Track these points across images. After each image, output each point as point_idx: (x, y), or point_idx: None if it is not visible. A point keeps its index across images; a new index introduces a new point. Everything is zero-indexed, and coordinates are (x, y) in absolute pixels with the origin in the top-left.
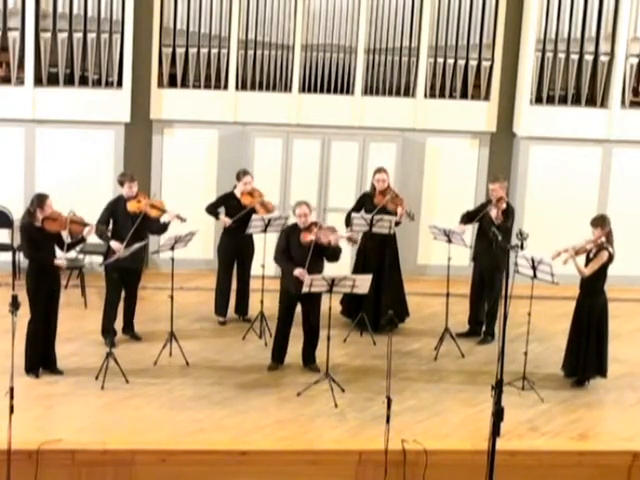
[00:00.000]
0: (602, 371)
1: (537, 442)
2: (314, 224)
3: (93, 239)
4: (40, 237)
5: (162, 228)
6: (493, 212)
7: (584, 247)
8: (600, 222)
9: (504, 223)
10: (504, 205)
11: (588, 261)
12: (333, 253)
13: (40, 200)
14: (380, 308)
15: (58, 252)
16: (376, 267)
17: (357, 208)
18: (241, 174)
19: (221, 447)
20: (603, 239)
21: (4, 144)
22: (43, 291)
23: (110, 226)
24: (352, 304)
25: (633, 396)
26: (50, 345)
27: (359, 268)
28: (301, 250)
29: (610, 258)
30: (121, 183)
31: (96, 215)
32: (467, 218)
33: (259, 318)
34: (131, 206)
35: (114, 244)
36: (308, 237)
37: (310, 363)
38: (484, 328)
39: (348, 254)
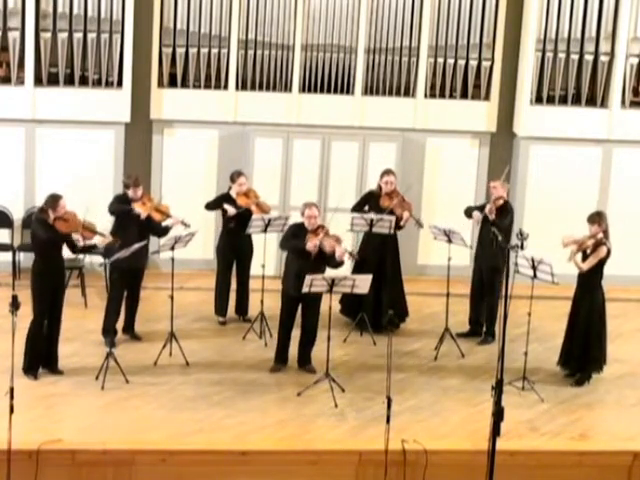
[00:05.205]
0: (600, 367)
1: (537, 442)
2: (321, 227)
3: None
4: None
5: (164, 231)
6: (487, 206)
7: (585, 243)
8: (597, 218)
9: (500, 220)
10: (500, 202)
11: (586, 257)
12: (335, 263)
13: (54, 200)
14: (381, 308)
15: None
16: (376, 267)
17: (361, 204)
18: (235, 175)
19: (221, 447)
20: (601, 235)
21: (4, 144)
22: (47, 290)
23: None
24: (351, 303)
25: (633, 396)
26: (53, 345)
27: (359, 267)
28: (304, 252)
29: (608, 253)
30: (126, 186)
31: (96, 215)
32: (468, 212)
33: (259, 318)
34: (136, 208)
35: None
36: (313, 245)
37: (305, 364)
38: (485, 329)
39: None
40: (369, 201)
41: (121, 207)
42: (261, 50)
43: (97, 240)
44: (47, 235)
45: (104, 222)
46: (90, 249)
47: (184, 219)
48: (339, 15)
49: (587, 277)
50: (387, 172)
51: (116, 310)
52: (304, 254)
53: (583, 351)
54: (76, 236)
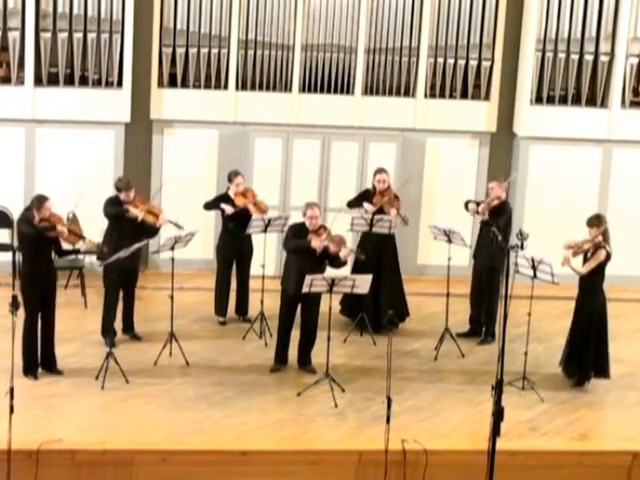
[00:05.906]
0: (604, 372)
1: (537, 442)
2: (323, 227)
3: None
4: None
5: (153, 232)
6: (480, 206)
7: (582, 247)
8: (596, 221)
9: (493, 220)
10: (495, 202)
11: (586, 260)
12: (339, 263)
13: (39, 202)
14: (380, 308)
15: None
16: (375, 267)
17: (358, 199)
18: (232, 175)
19: (221, 447)
20: (600, 238)
21: (4, 144)
22: (36, 291)
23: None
24: (352, 304)
25: (633, 396)
26: (50, 346)
27: (357, 268)
28: (307, 251)
29: (608, 257)
30: (118, 190)
31: (96, 215)
32: (467, 204)
33: (259, 318)
34: (132, 210)
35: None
36: (320, 242)
37: (305, 364)
38: (484, 329)
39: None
40: (365, 199)
41: (116, 209)
42: (261, 50)
43: (81, 245)
44: (33, 232)
45: (100, 223)
46: (74, 253)
47: (177, 221)
48: (339, 15)
49: (587, 280)
50: (379, 171)
51: (112, 310)
52: (308, 252)
53: (583, 352)
54: (61, 239)
